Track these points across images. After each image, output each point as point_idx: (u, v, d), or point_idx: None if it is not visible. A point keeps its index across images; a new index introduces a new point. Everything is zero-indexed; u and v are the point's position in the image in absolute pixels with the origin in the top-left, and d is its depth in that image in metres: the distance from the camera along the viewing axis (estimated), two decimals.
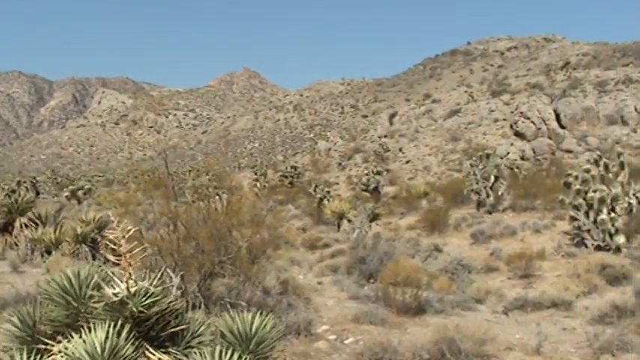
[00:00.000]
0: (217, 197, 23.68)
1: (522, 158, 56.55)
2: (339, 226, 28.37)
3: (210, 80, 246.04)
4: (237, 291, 11.12)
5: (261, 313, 4.85)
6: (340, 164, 69.28)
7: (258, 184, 52.41)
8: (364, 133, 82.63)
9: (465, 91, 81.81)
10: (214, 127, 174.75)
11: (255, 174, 56.07)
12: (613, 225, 21.37)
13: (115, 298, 4.04)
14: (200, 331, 4.54)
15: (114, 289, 4.06)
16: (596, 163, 23.08)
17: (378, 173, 44.04)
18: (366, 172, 46.58)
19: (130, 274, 3.98)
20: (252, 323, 4.79)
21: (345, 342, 11.30)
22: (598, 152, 26.09)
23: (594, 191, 22.09)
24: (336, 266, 19.17)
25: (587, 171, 22.74)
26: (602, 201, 21.59)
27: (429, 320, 12.96)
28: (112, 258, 4.00)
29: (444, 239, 25.20)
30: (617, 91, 65.25)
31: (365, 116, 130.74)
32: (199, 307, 9.67)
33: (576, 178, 22.87)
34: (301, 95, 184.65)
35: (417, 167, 61.74)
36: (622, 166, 22.99)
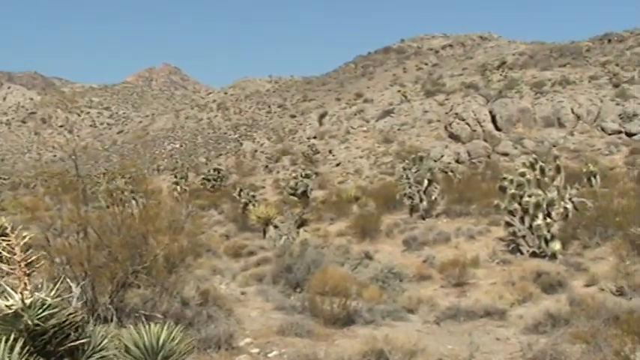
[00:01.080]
0: (133, 202, 23.34)
1: (457, 161, 57.41)
2: (264, 232, 28.26)
3: (127, 76, 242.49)
4: (152, 302, 10.97)
5: (173, 325, 4.78)
6: (267, 167, 69.14)
7: (178, 187, 51.83)
8: (292, 134, 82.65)
9: (398, 91, 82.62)
10: (131, 127, 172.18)
11: (175, 177, 55.44)
12: (548, 231, 21.89)
13: (8, 311, 3.91)
14: (103, 344, 4.44)
15: (7, 300, 3.93)
16: (532, 166, 23.58)
17: (307, 176, 44.06)
18: (294, 175, 46.56)
19: (25, 284, 3.86)
20: (159, 336, 4.71)
21: (269, 355, 11.27)
22: (534, 155, 26.63)
23: (530, 196, 22.58)
24: (261, 275, 19.10)
25: (523, 175, 23.22)
26: (537, 206, 22.09)
27: (358, 331, 13.02)
28: (4, 267, 3.86)
29: (375, 246, 25.37)
30: (554, 93, 66.88)
31: (293, 116, 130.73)
32: (111, 320, 9.50)
33: (512, 182, 23.34)
34: (225, 93, 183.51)
35: (348, 170, 62.02)
36: (558, 169, 23.56)
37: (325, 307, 13.42)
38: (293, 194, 42.69)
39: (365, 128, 72.13)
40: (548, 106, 66.30)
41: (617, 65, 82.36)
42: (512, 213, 22.97)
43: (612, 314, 11.80)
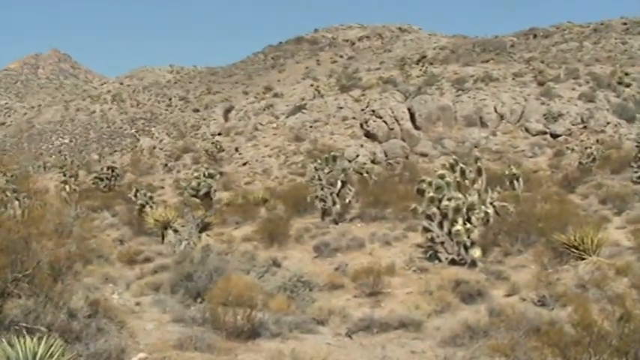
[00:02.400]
0: (16, 202, 22.70)
1: (373, 162, 57.91)
2: (163, 237, 27.94)
3: (10, 62, 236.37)
4: (35, 314, 10.70)
5: (53, 339, 4.66)
6: (166, 165, 68.38)
7: (66, 187, 50.83)
8: (195, 130, 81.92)
9: (311, 85, 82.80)
10: (15, 119, 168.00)
11: (64, 175, 54.33)
12: (468, 237, 22.29)
13: None
14: None
15: None
16: (452, 168, 23.97)
17: (210, 176, 43.72)
18: (196, 174, 46.17)
19: None
20: (35, 351, 4.60)
21: None
22: (454, 156, 27.06)
23: (449, 199, 22.95)
24: (158, 284, 18.88)
25: (442, 177, 23.57)
26: (457, 210, 22.47)
27: (263, 345, 13.01)
28: None
29: (283, 252, 25.37)
30: (476, 90, 68.14)
31: (196, 110, 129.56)
32: None
33: (430, 184, 23.67)
34: (121, 84, 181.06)
35: (256, 170, 61.81)
36: (479, 172, 24.00)
37: (228, 318, 13.35)
38: (195, 196, 42.31)
39: (274, 125, 72.02)
40: (469, 104, 67.49)
41: (542, 62, 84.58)
42: (430, 217, 23.29)
43: (533, 325, 12.08)
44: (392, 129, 63.25)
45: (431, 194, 23.31)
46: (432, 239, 23.25)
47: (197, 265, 18.39)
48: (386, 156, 60.89)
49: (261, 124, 72.13)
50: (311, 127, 68.46)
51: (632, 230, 23.29)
